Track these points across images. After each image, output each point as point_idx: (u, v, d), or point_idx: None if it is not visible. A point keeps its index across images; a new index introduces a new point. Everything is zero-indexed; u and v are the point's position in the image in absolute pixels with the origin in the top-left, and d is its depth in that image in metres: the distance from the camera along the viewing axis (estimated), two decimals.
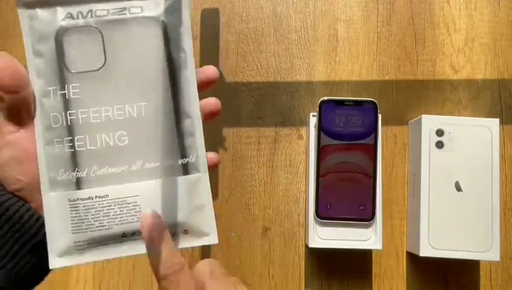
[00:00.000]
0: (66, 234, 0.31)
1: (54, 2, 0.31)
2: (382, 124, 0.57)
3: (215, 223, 0.32)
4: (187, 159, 0.32)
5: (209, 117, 0.34)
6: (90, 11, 0.31)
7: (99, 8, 0.31)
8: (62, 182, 0.31)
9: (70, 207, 0.30)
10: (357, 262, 0.59)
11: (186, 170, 0.32)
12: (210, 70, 0.34)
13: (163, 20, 0.32)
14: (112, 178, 0.30)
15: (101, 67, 0.31)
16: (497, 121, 0.55)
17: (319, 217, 0.55)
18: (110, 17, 0.31)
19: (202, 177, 0.32)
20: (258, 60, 0.62)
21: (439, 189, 0.54)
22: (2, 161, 0.30)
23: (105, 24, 0.31)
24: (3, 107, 0.29)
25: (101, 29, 0.31)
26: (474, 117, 0.60)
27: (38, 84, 0.31)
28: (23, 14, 0.31)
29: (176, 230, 0.31)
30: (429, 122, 0.55)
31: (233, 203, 0.60)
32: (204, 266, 0.31)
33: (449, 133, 0.55)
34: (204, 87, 0.34)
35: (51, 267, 0.31)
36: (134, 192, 0.30)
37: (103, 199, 0.30)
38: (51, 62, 0.31)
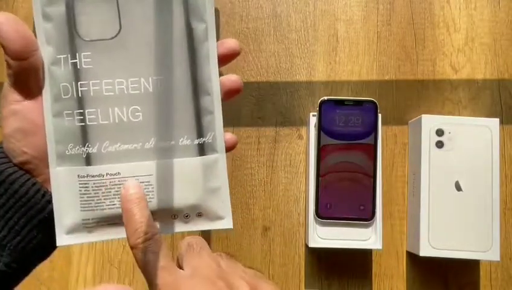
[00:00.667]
0: (75, 211, 0.29)
1: None
2: (382, 124, 0.57)
3: (230, 207, 0.31)
4: (204, 139, 0.30)
5: (228, 95, 0.32)
6: None
7: None
8: (71, 157, 0.29)
9: (80, 183, 0.29)
10: (357, 262, 0.59)
11: (202, 150, 0.30)
12: (231, 42, 0.32)
13: None
14: (124, 155, 0.29)
15: (115, 36, 0.28)
16: (497, 121, 0.55)
17: (319, 217, 0.55)
18: None
19: (219, 158, 0.30)
20: (258, 60, 0.62)
21: (439, 189, 0.54)
22: (7, 131, 0.28)
23: None
24: (10, 74, 0.28)
25: None
26: (474, 117, 0.60)
27: (48, 51, 0.29)
28: None
29: (189, 212, 0.30)
30: (429, 122, 0.55)
31: (234, 203, 0.60)
32: (184, 241, 0.29)
33: (449, 133, 0.55)
34: (225, 61, 0.32)
35: (58, 244, 0.29)
36: (147, 171, 0.29)
37: (114, 176, 0.29)
38: (62, 27, 0.28)
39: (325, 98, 0.56)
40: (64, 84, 0.29)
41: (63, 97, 0.29)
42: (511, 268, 0.58)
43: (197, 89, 0.30)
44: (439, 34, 0.62)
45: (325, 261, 0.59)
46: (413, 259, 0.59)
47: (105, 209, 0.29)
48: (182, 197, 0.30)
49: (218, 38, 0.33)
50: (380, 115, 0.56)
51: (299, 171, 0.61)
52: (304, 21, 0.63)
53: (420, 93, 0.61)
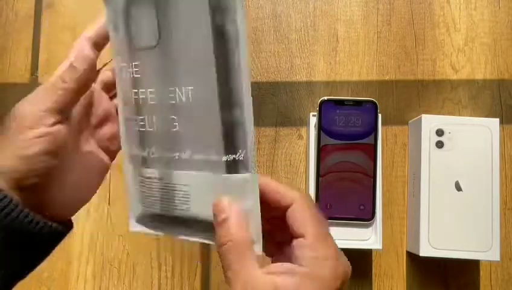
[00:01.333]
0: (139, 204, 0.32)
1: None
2: (382, 124, 0.57)
3: (261, 233, 0.28)
4: (233, 156, 0.28)
5: None
6: None
7: None
8: (134, 157, 0.31)
9: (140, 181, 0.31)
10: (357, 262, 0.59)
11: (231, 167, 0.28)
12: None
13: None
14: (166, 163, 0.29)
15: (156, 44, 0.28)
16: (497, 121, 0.55)
17: None
18: None
19: (248, 179, 0.28)
20: (258, 60, 0.62)
21: (439, 189, 0.54)
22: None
23: None
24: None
25: (157, 1, 0.28)
26: (474, 117, 0.60)
27: (117, 59, 0.31)
28: None
29: None
30: (429, 122, 0.55)
31: None
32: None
33: (449, 133, 0.55)
34: None
35: (131, 229, 0.32)
36: (184, 181, 0.29)
37: (158, 181, 0.30)
38: (124, 38, 0.30)
39: (325, 98, 0.56)
40: (126, 91, 0.30)
41: (127, 103, 0.31)
42: (511, 268, 0.58)
43: (226, 100, 0.27)
44: (439, 34, 0.62)
45: None
46: (413, 259, 0.59)
47: (156, 209, 0.31)
48: (205, 212, 0.29)
49: None
50: (380, 115, 0.56)
51: (299, 171, 0.61)
52: (303, 21, 0.63)
53: (420, 93, 0.61)
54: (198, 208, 0.29)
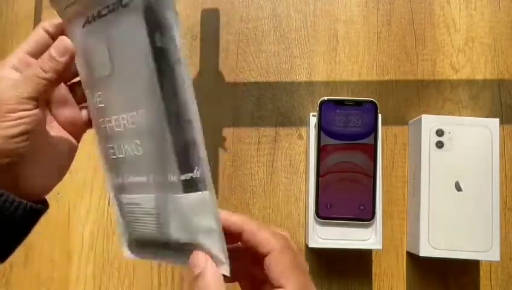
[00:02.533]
0: (128, 231, 0.32)
1: (79, 10, 0.30)
2: (382, 124, 0.57)
3: (226, 251, 0.27)
4: (190, 174, 0.27)
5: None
6: (99, 11, 0.29)
7: (103, 6, 0.29)
8: (114, 185, 0.32)
9: (122, 208, 0.32)
10: (357, 262, 0.59)
11: (188, 187, 0.27)
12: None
13: (144, 6, 0.27)
14: (138, 187, 0.30)
15: (110, 72, 0.29)
16: (497, 121, 0.55)
17: (319, 217, 0.55)
18: (108, 14, 0.29)
19: (207, 196, 0.27)
20: (258, 60, 0.62)
21: (439, 189, 0.54)
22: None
23: (106, 22, 0.29)
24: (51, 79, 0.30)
25: (105, 28, 0.29)
26: (474, 117, 0.60)
27: (87, 92, 0.32)
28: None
29: (185, 249, 0.29)
30: (429, 122, 0.55)
31: (234, 203, 0.60)
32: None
33: (449, 133, 0.55)
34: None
35: (125, 257, 0.32)
36: (154, 205, 0.29)
37: (136, 206, 0.30)
38: (86, 68, 0.31)
39: (325, 98, 0.56)
40: (96, 122, 0.31)
41: (99, 132, 0.31)
42: (511, 268, 0.58)
43: (174, 118, 0.27)
44: (439, 34, 0.62)
45: (325, 261, 0.59)
46: (413, 259, 0.59)
47: (142, 234, 0.31)
48: (176, 234, 0.29)
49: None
50: (380, 115, 0.56)
51: (299, 171, 0.61)
52: (303, 21, 0.63)
53: (420, 93, 0.61)
54: (176, 231, 0.29)
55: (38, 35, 0.32)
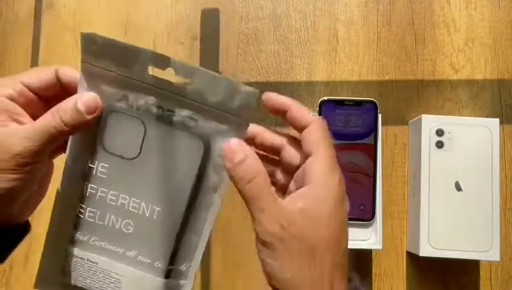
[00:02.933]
0: (59, 273, 0.32)
1: (119, 78, 0.29)
2: (382, 124, 0.57)
3: None
4: (178, 267, 0.32)
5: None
6: (146, 102, 0.29)
7: (155, 104, 0.29)
8: (67, 235, 0.32)
9: (65, 256, 0.32)
10: (357, 262, 0.59)
11: (171, 274, 0.32)
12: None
13: (209, 139, 0.30)
14: (106, 252, 0.31)
15: (133, 158, 0.30)
16: (497, 121, 0.55)
17: None
18: (162, 114, 0.29)
19: (185, 285, 0.32)
20: (258, 60, 0.62)
21: (439, 189, 0.54)
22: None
23: (153, 119, 0.30)
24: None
25: (146, 123, 0.30)
26: (474, 117, 0.60)
27: (72, 149, 0.30)
28: (88, 71, 0.29)
29: None
30: (429, 122, 0.55)
31: (233, 203, 0.60)
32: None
33: (449, 133, 0.55)
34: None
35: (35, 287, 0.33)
36: (120, 271, 0.31)
37: (93, 264, 0.32)
38: (89, 131, 0.30)
39: (325, 98, 0.56)
40: (77, 180, 0.31)
41: (72, 189, 0.31)
42: (511, 268, 0.58)
43: (188, 228, 0.31)
44: (439, 34, 0.62)
45: None
46: (413, 259, 0.59)
47: (79, 282, 0.32)
48: None
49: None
50: (380, 115, 0.56)
51: None
52: (303, 21, 0.63)
53: (420, 93, 0.61)
54: None
55: (45, 74, 0.29)
